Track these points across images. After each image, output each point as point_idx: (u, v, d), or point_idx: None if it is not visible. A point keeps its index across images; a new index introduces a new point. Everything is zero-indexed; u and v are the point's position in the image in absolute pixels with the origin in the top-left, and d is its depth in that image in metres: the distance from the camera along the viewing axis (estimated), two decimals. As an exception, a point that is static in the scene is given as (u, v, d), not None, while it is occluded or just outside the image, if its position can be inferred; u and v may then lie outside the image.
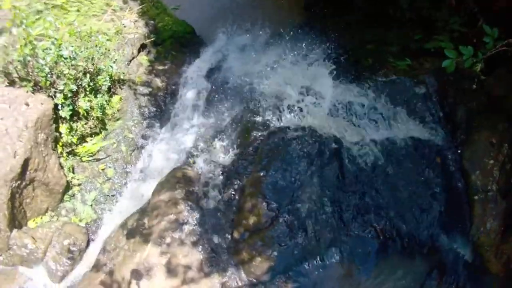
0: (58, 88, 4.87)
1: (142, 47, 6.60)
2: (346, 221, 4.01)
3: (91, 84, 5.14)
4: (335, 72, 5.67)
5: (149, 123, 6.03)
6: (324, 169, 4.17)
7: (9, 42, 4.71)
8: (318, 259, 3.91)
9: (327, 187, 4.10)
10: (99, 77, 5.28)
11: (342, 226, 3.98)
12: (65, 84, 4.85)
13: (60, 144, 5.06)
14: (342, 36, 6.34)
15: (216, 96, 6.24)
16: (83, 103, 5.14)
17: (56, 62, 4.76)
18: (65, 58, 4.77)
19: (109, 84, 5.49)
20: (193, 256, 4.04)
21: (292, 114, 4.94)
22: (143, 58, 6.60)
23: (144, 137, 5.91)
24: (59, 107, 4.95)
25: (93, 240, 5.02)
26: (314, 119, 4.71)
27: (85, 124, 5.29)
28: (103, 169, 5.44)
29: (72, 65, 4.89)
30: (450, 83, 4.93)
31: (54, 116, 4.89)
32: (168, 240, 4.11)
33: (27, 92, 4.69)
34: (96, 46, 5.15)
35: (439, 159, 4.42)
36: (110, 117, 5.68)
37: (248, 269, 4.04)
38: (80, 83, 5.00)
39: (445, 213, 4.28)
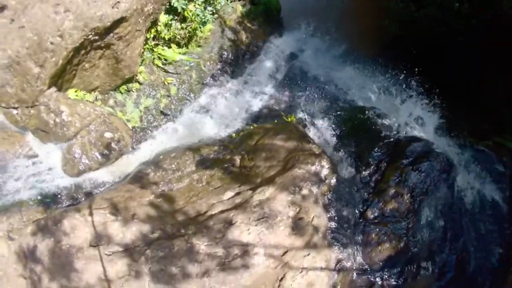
0: (185, -24, 4.25)
1: (243, -5, 6.16)
2: (446, 239, 4.28)
3: (213, -6, 4.58)
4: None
5: (223, 67, 5.47)
6: (445, 190, 4.34)
7: None
8: (422, 265, 3.95)
9: (442, 205, 4.32)
10: (216, -6, 4.75)
11: (443, 243, 4.23)
12: (196, -25, 4.26)
13: (153, 31, 4.31)
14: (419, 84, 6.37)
15: (295, 79, 5.94)
16: (193, 8, 4.52)
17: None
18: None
19: (219, 7, 4.94)
20: (322, 220, 3.44)
21: (408, 128, 4.94)
22: (239, 6, 6.13)
23: (213, 77, 5.31)
24: (173, -5, 4.29)
25: (133, 149, 4.15)
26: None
27: (180, 29, 4.60)
28: (168, 83, 4.70)
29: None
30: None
31: (169, -1, 4.20)
32: (304, 191, 3.45)
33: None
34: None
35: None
36: (197, 39, 5.05)
37: (368, 253, 3.69)
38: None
39: (497, 267, 4.63)
